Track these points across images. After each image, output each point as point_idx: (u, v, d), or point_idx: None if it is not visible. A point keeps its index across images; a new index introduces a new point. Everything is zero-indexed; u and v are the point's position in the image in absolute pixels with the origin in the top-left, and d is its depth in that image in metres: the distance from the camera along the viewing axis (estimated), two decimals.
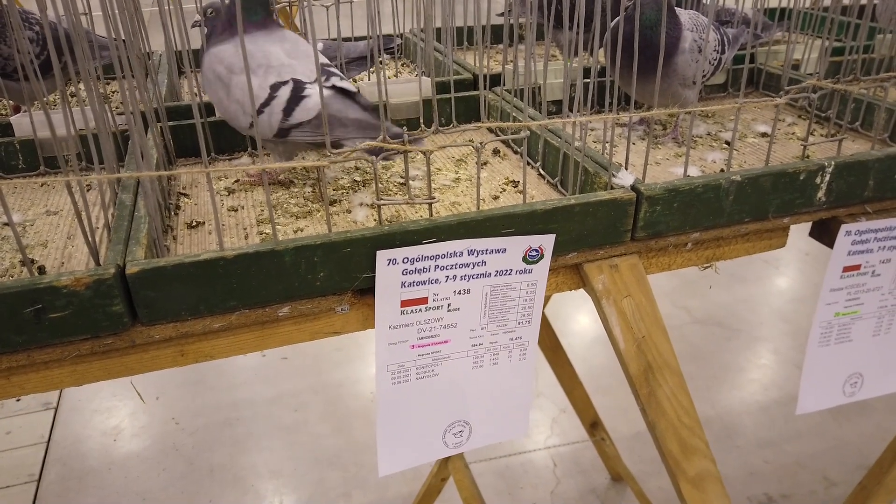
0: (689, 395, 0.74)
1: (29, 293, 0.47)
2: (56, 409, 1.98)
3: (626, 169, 0.64)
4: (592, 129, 0.89)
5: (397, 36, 1.17)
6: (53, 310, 0.48)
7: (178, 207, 0.68)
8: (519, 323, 0.64)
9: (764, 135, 0.86)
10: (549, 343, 1.64)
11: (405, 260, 0.56)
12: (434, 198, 0.57)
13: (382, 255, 0.55)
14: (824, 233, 0.72)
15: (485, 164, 0.80)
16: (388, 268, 0.56)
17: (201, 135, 0.53)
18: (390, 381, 0.61)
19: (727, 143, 0.84)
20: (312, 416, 1.96)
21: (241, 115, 0.66)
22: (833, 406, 0.77)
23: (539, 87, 0.88)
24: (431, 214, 0.59)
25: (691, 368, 2.16)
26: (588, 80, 0.93)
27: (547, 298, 1.56)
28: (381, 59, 1.00)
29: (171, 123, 0.76)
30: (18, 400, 2.01)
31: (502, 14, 1.20)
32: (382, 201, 0.57)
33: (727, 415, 1.99)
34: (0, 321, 0.47)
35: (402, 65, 1.17)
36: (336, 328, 0.59)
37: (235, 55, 0.65)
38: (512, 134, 0.80)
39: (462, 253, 0.58)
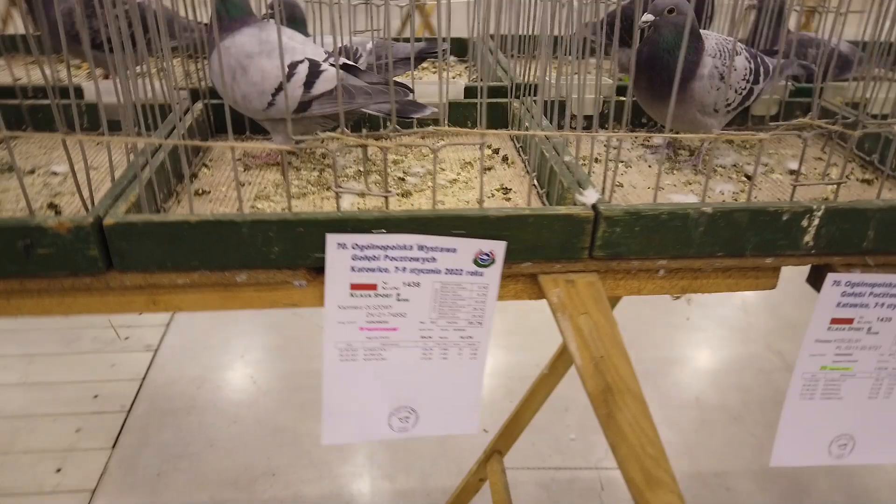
0: (652, 424, 0.73)
1: (21, 230, 0.56)
2: (155, 353, 2.20)
3: (596, 187, 0.65)
4: (615, 148, 0.89)
5: (442, 40, 1.21)
6: (41, 246, 0.57)
7: (194, 176, 0.77)
8: (469, 322, 0.66)
9: (792, 172, 0.82)
10: None
11: (354, 246, 0.61)
12: (390, 192, 0.61)
13: (332, 239, 0.60)
14: (819, 280, 0.69)
15: (490, 169, 0.82)
16: (338, 251, 0.61)
17: (228, 112, 0.60)
18: (338, 357, 0.66)
19: (747, 176, 0.81)
20: None
21: (257, 98, 0.74)
22: (816, 465, 0.72)
23: (573, 101, 0.89)
24: (387, 207, 0.63)
25: (772, 416, 2.04)
26: (623, 99, 0.93)
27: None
28: (445, 59, 1.05)
29: (213, 101, 0.85)
30: (126, 338, 2.26)
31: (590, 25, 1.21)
32: (340, 189, 0.61)
33: (800, 471, 1.86)
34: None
35: (465, 68, 1.21)
36: (294, 300, 0.65)
37: (251, 43, 0.72)
38: (519, 142, 0.82)
39: (412, 247, 0.61)
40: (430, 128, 0.60)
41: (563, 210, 0.62)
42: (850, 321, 0.67)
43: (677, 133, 0.84)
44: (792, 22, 1.34)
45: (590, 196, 0.63)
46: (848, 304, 0.66)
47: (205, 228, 0.59)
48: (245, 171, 0.80)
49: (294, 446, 1.87)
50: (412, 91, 0.73)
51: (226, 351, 2.22)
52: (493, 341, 2.32)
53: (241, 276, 0.62)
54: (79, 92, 0.87)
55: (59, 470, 1.76)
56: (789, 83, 0.93)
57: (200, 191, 0.74)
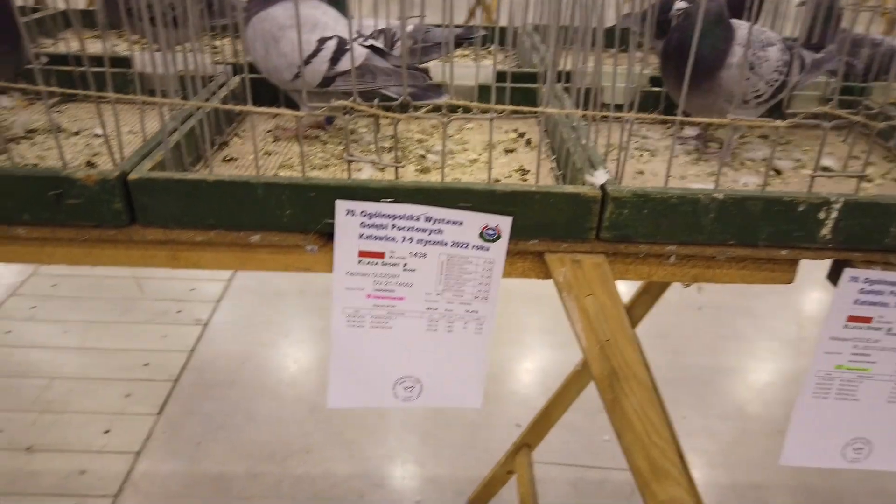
0: (660, 413, 0.72)
1: (52, 179, 0.60)
2: (204, 327, 2.28)
3: (608, 170, 0.65)
4: (645, 138, 0.88)
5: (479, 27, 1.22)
6: (70, 197, 0.61)
7: (225, 144, 0.80)
8: (475, 297, 0.67)
9: (825, 168, 0.79)
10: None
11: (363, 213, 0.62)
12: (401, 163, 0.63)
13: (341, 205, 0.62)
14: (838, 276, 0.67)
15: (512, 151, 0.83)
16: (347, 217, 0.62)
17: (247, 81, 0.63)
18: (345, 322, 0.68)
19: (776, 170, 0.79)
20: None
21: (286, 68, 0.76)
22: (828, 467, 0.70)
23: (602, 90, 0.88)
24: (396, 177, 0.64)
25: None
26: (659, 90, 0.92)
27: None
28: (488, 47, 1.06)
29: (251, 76, 0.89)
30: (179, 312, 2.35)
31: (626, 18, 1.20)
32: (352, 158, 0.63)
33: (841, 490, 1.79)
34: (32, 198, 0.61)
35: (506, 56, 1.22)
36: (307, 265, 0.67)
37: (285, 16, 0.75)
38: (545, 126, 0.83)
39: (419, 218, 0.63)
40: (444, 99, 0.61)
41: (570, 189, 0.62)
42: (868, 320, 0.65)
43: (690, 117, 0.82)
44: (863, 22, 1.29)
45: (600, 177, 0.63)
46: (866, 301, 0.64)
47: (221, 188, 0.61)
48: (274, 141, 0.83)
49: (329, 426, 1.91)
50: (429, 77, 0.74)
51: (271, 330, 2.29)
52: (533, 338, 2.31)
53: (255, 237, 0.64)
54: (127, 62, 0.92)
55: (107, 431, 1.85)
56: (831, 79, 0.90)
57: (229, 157, 0.77)
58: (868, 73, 0.98)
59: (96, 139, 0.79)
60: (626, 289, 1.42)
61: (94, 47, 1.10)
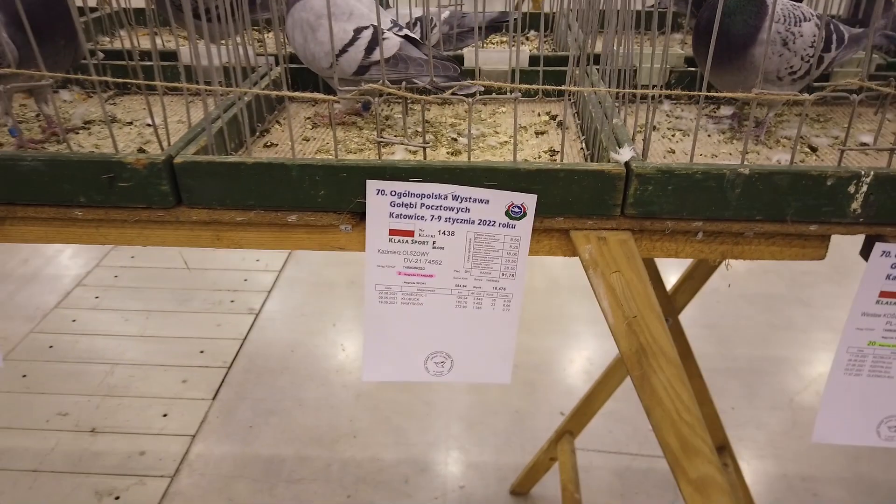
0: (689, 390, 0.73)
1: (105, 164, 0.64)
2: (256, 316, 2.36)
3: (633, 147, 0.65)
4: (678, 118, 0.88)
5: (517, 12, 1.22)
6: (121, 180, 0.65)
7: (266, 131, 0.84)
8: (503, 274, 0.69)
9: (863, 144, 0.78)
10: (681, 351, 1.58)
11: (393, 192, 0.65)
12: (428, 143, 0.65)
13: (372, 185, 0.64)
14: (869, 251, 0.66)
15: (543, 133, 0.84)
16: (378, 197, 0.65)
17: (287, 71, 0.66)
18: (377, 299, 0.70)
19: (811, 147, 0.78)
20: None
21: (323, 56, 0.79)
22: (862, 445, 0.70)
23: (635, 71, 0.89)
24: (425, 158, 0.67)
25: None
26: (693, 69, 0.92)
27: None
28: (526, 33, 1.07)
29: (292, 66, 0.92)
30: (233, 301, 2.43)
31: (651, 7, 1.20)
32: (382, 140, 0.66)
33: None
34: (88, 181, 0.66)
35: (543, 41, 1.22)
36: (341, 244, 0.70)
37: (322, 5, 0.78)
38: (577, 108, 0.83)
39: (447, 196, 0.65)
40: (472, 91, 0.63)
41: (594, 166, 0.63)
42: None
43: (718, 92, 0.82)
44: None
45: (625, 154, 0.64)
46: None
47: (259, 169, 0.65)
48: (313, 128, 0.86)
49: (375, 412, 1.95)
50: (460, 67, 0.76)
51: (319, 319, 2.35)
52: (578, 328, 2.31)
53: (291, 217, 0.67)
54: (175, 56, 0.97)
55: (165, 415, 1.94)
56: (874, 56, 0.88)
57: (270, 143, 0.80)
58: None
59: (147, 129, 0.84)
60: (672, 277, 1.41)
61: (147, 43, 1.16)
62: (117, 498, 1.70)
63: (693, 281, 1.42)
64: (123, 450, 1.83)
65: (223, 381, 2.07)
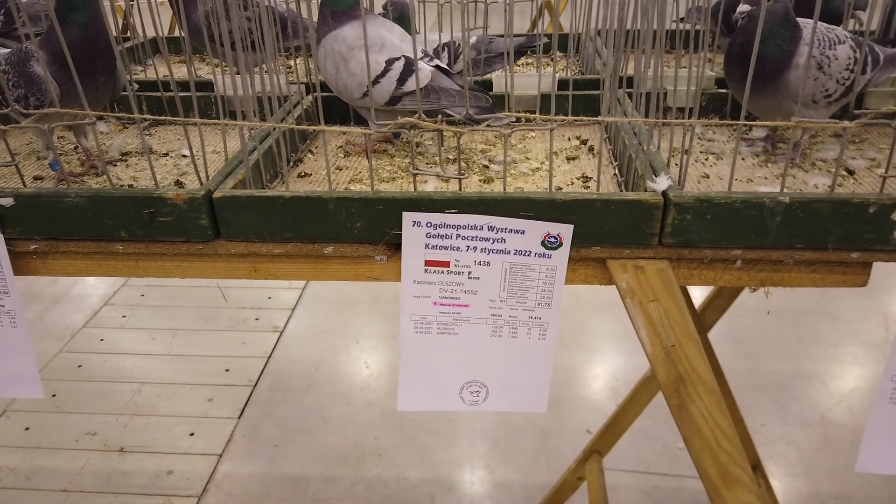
0: (728, 418, 0.72)
1: (146, 199, 0.65)
2: (280, 334, 2.37)
3: (670, 175, 0.65)
4: (710, 140, 0.88)
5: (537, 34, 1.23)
6: (161, 214, 0.66)
7: (300, 160, 0.85)
8: (538, 304, 0.69)
9: None
10: (712, 370, 1.56)
11: (429, 224, 0.65)
12: (464, 175, 0.65)
13: (408, 217, 0.65)
14: None
15: (574, 158, 0.84)
16: (414, 228, 0.65)
17: (319, 99, 0.67)
18: (413, 329, 0.70)
19: (848, 170, 0.78)
20: None
21: (355, 87, 0.80)
22: None
23: (667, 93, 0.89)
24: (460, 189, 0.67)
25: None
26: (724, 91, 0.92)
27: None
28: (551, 54, 1.08)
29: (324, 94, 0.93)
30: (257, 319, 2.45)
31: (682, 19, 1.19)
32: (417, 171, 0.66)
33: None
34: (129, 216, 0.67)
35: (570, 63, 1.22)
36: (376, 275, 0.70)
37: (353, 36, 0.79)
38: (608, 132, 0.83)
39: (482, 227, 0.65)
40: (504, 122, 0.63)
41: (631, 196, 0.63)
42: None
43: (758, 119, 0.81)
44: None
45: (662, 183, 0.64)
46: None
47: (297, 203, 0.65)
48: (345, 157, 0.86)
49: (400, 430, 1.95)
50: (490, 98, 0.77)
51: (343, 337, 2.35)
52: (604, 344, 2.29)
53: (328, 249, 0.68)
54: (210, 86, 0.98)
55: (192, 434, 1.95)
56: None
57: (303, 173, 0.81)
58: None
59: (183, 159, 0.85)
60: (699, 293, 1.40)
61: (179, 71, 1.18)
62: None
63: (722, 299, 1.41)
64: (151, 469, 1.84)
65: (249, 399, 2.08)
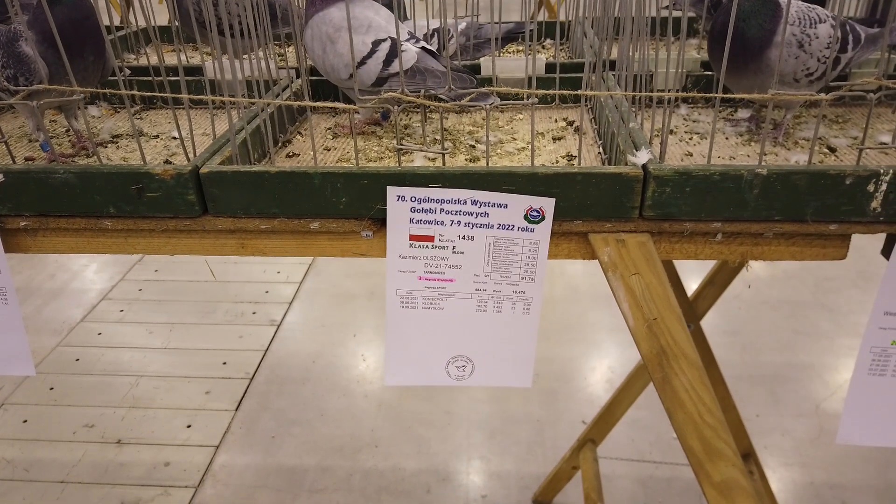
0: (711, 392, 0.73)
1: (134, 175, 0.66)
2: (277, 328, 2.38)
3: (651, 150, 0.66)
4: (695, 121, 0.89)
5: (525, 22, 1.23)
6: (149, 190, 0.67)
7: (288, 141, 0.86)
8: (522, 278, 0.70)
9: (883, 144, 0.78)
10: (703, 358, 1.57)
11: (413, 199, 0.66)
12: (447, 149, 0.66)
13: (392, 191, 0.66)
14: (891, 249, 0.66)
15: (560, 138, 0.85)
16: (398, 203, 0.66)
17: (306, 81, 0.68)
18: (398, 304, 0.71)
19: (830, 148, 0.78)
20: None
21: (342, 68, 0.81)
22: (887, 446, 0.69)
23: (651, 76, 0.89)
24: (444, 164, 0.68)
25: None
26: (710, 73, 0.92)
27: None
28: (542, 41, 1.09)
29: (312, 78, 0.94)
30: (255, 313, 2.45)
31: (666, 7, 1.20)
32: (401, 146, 0.67)
33: None
34: (117, 192, 0.67)
35: (559, 49, 1.23)
36: (362, 250, 0.71)
37: (340, 17, 0.79)
38: (593, 114, 0.84)
39: (466, 202, 0.66)
40: (490, 102, 0.64)
41: (611, 169, 0.64)
42: None
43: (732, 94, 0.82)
44: None
45: (642, 157, 0.65)
46: None
47: (282, 178, 0.66)
48: (334, 138, 0.87)
49: (396, 422, 1.96)
50: (475, 79, 0.77)
51: (340, 330, 2.36)
52: (600, 337, 2.30)
53: (314, 224, 0.69)
54: (200, 72, 0.99)
55: (189, 426, 1.96)
56: (893, 55, 0.88)
57: (291, 153, 0.82)
58: None
59: (173, 141, 0.86)
60: (693, 283, 1.40)
61: (172, 60, 1.19)
62: None
63: (714, 287, 1.42)
64: (148, 461, 1.85)
65: (246, 392, 2.09)
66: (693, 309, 1.42)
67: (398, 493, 1.75)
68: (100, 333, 2.36)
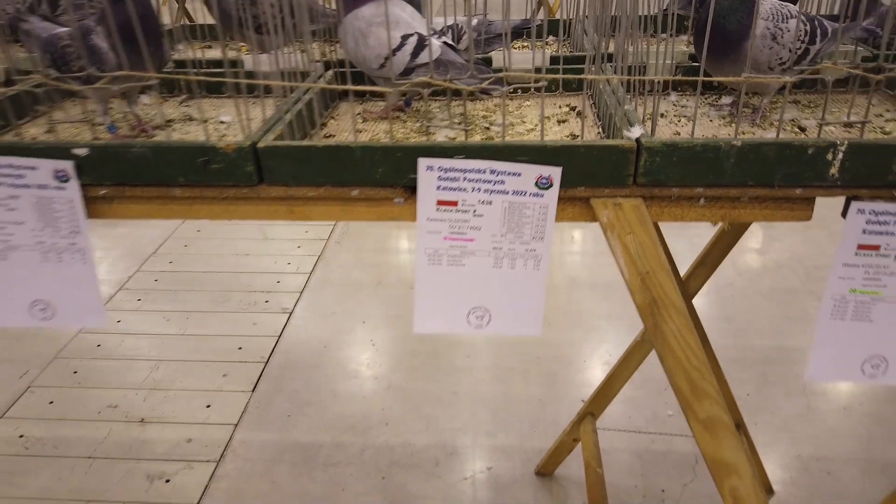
0: (696, 337, 0.84)
1: (201, 149, 0.77)
2: (290, 315, 2.48)
3: (642, 126, 0.77)
4: (684, 107, 1.00)
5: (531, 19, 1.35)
6: (214, 162, 0.78)
7: (324, 125, 0.97)
8: (533, 237, 0.81)
9: (848, 125, 0.89)
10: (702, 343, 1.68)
11: (440, 168, 0.77)
12: (469, 127, 0.77)
13: (423, 162, 0.77)
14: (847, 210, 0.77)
15: (564, 121, 0.96)
16: (427, 172, 0.77)
17: (348, 72, 0.78)
18: (427, 261, 0.82)
19: (800, 128, 0.90)
20: (480, 365, 2.21)
21: (373, 59, 0.92)
22: (850, 381, 0.80)
23: (646, 67, 1.01)
24: (466, 139, 0.79)
25: (886, 411, 2.00)
26: (697, 64, 1.04)
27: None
28: (545, 38, 1.20)
29: (341, 70, 1.05)
30: (267, 301, 2.56)
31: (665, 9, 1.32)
32: (429, 125, 0.78)
33: None
34: (186, 164, 0.78)
35: (562, 45, 1.35)
36: (394, 215, 0.82)
37: (371, 14, 0.91)
38: (593, 99, 0.96)
39: (485, 171, 0.77)
40: (503, 89, 0.75)
41: (610, 142, 0.75)
42: (876, 247, 0.75)
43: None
44: None
45: (635, 131, 0.76)
46: (873, 231, 0.74)
47: (328, 151, 0.77)
48: (363, 122, 0.99)
49: (405, 401, 2.07)
50: (490, 71, 0.88)
51: (349, 317, 2.47)
52: (600, 324, 2.41)
53: (354, 192, 0.80)
54: (236, 65, 1.11)
55: (208, 406, 2.07)
56: (858, 47, 0.99)
57: (328, 135, 0.93)
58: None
59: (221, 125, 0.97)
60: (684, 266, 1.51)
61: (207, 55, 1.30)
62: (168, 481, 1.82)
63: (705, 267, 1.53)
64: (171, 438, 1.95)
65: (261, 374, 2.20)
66: (686, 288, 1.54)
67: (408, 466, 1.85)
68: (119, 321, 2.46)
